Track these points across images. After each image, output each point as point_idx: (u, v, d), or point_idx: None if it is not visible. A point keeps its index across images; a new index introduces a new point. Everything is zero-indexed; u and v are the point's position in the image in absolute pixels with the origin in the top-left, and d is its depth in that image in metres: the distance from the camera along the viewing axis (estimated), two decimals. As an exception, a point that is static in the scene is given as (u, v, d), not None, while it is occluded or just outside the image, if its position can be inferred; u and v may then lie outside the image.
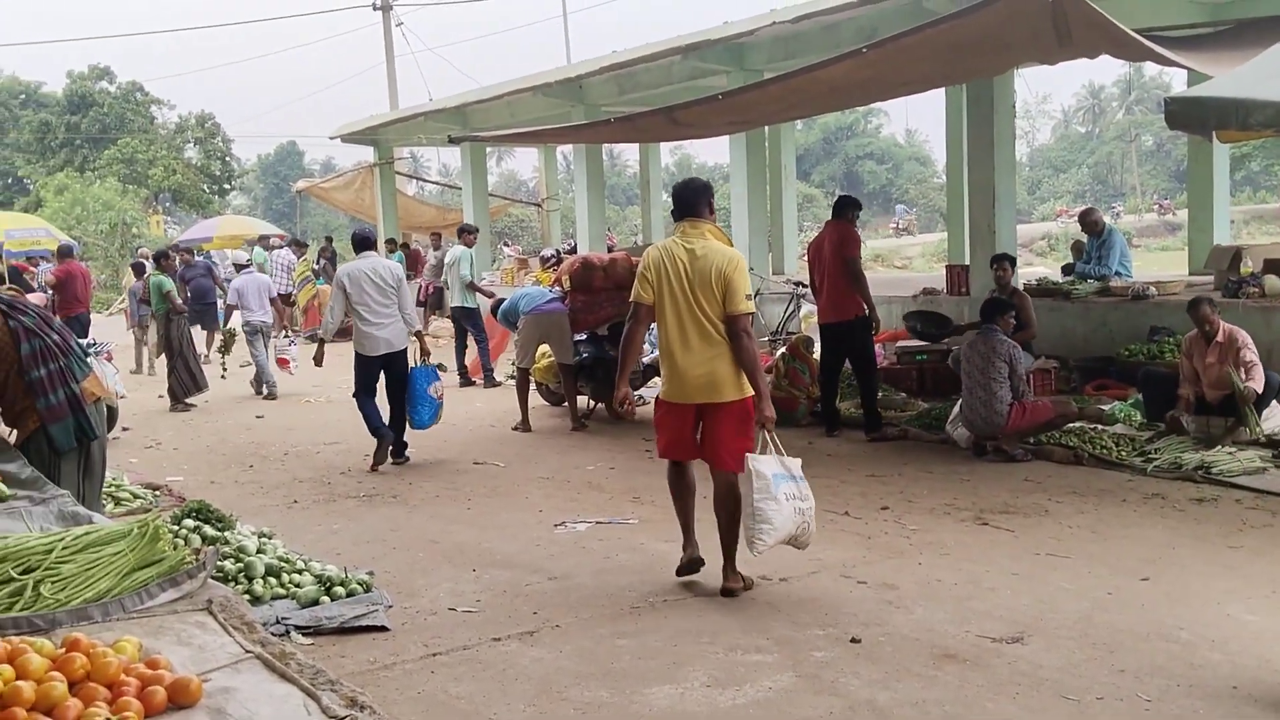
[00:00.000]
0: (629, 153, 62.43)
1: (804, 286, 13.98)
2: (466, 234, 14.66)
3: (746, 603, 5.44)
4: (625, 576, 5.95)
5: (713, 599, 5.51)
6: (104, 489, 5.73)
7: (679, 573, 5.76)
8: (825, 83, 8.87)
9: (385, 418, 9.33)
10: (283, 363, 14.27)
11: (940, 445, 9.01)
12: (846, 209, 9.90)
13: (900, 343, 11.32)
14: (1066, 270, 13.24)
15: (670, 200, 5.98)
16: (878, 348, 11.14)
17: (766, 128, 16.02)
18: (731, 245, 6.17)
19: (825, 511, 7.13)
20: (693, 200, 5.73)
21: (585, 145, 18.11)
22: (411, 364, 9.39)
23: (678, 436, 5.68)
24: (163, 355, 13.72)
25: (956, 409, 8.87)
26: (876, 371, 9.95)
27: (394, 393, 9.23)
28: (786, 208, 18.58)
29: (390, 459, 9.22)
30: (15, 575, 2.82)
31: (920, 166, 67.16)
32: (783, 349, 11.37)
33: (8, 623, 2.65)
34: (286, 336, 18.00)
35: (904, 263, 34.34)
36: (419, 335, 9.69)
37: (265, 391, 13.72)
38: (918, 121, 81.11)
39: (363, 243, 9.43)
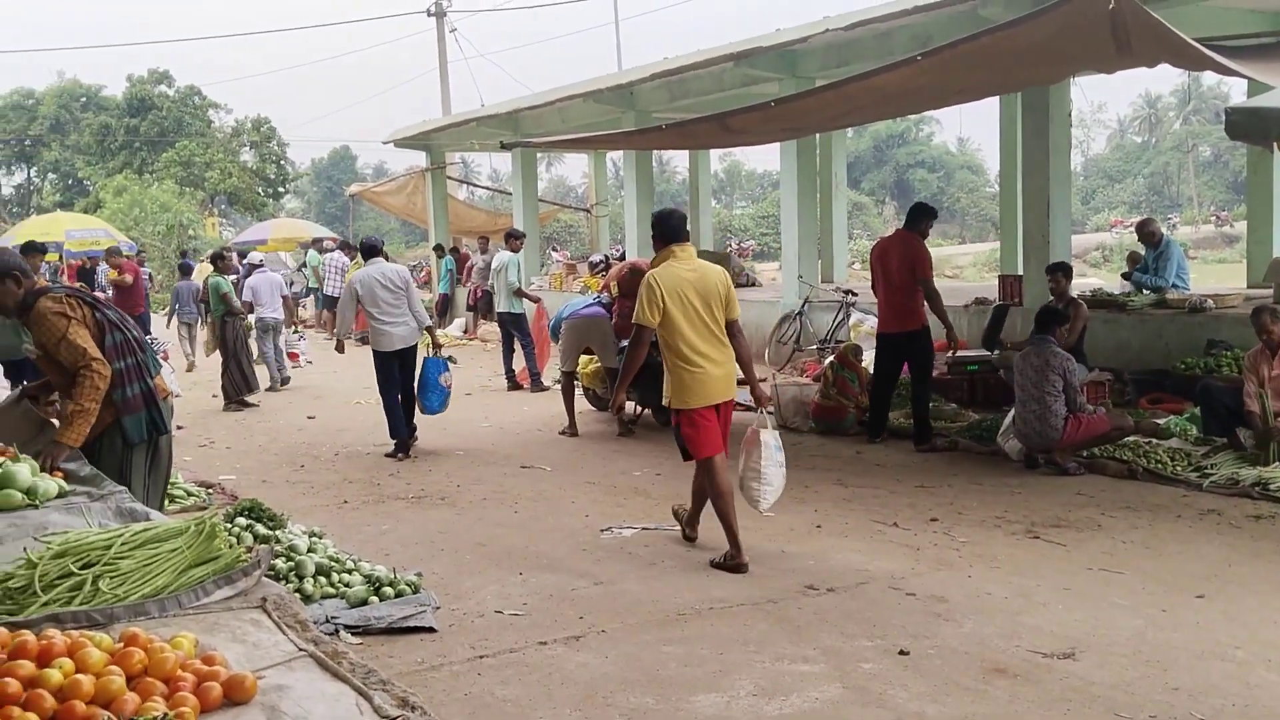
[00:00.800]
0: (678, 159, 62.46)
1: (853, 295, 13.91)
2: (514, 240, 14.74)
3: (794, 612, 5.41)
4: (671, 583, 5.94)
5: (759, 607, 5.49)
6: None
7: (736, 569, 6.12)
8: (879, 90, 8.81)
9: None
10: (293, 356, 15.27)
11: (991, 457, 8.91)
12: (921, 219, 9.67)
13: (960, 353, 11.19)
14: (1126, 277, 13.05)
15: (656, 223, 6.50)
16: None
17: (817, 135, 15.97)
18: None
19: (873, 522, 7.11)
20: (679, 226, 6.39)
21: (635, 151, 18.14)
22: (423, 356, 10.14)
23: (714, 434, 6.32)
24: (209, 355, 14.03)
25: (1008, 420, 8.76)
26: (932, 384, 9.86)
27: (405, 384, 10.01)
28: (836, 216, 18.52)
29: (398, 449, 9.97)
30: (75, 570, 2.86)
31: (972, 175, 66.56)
32: (832, 357, 11.31)
33: (67, 616, 2.69)
34: (296, 332, 18.90)
35: (955, 272, 33.98)
36: (430, 330, 10.26)
37: (279, 380, 14.59)
38: (970, 129, 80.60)
39: (371, 250, 10.34)
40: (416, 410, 10.06)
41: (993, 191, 54.86)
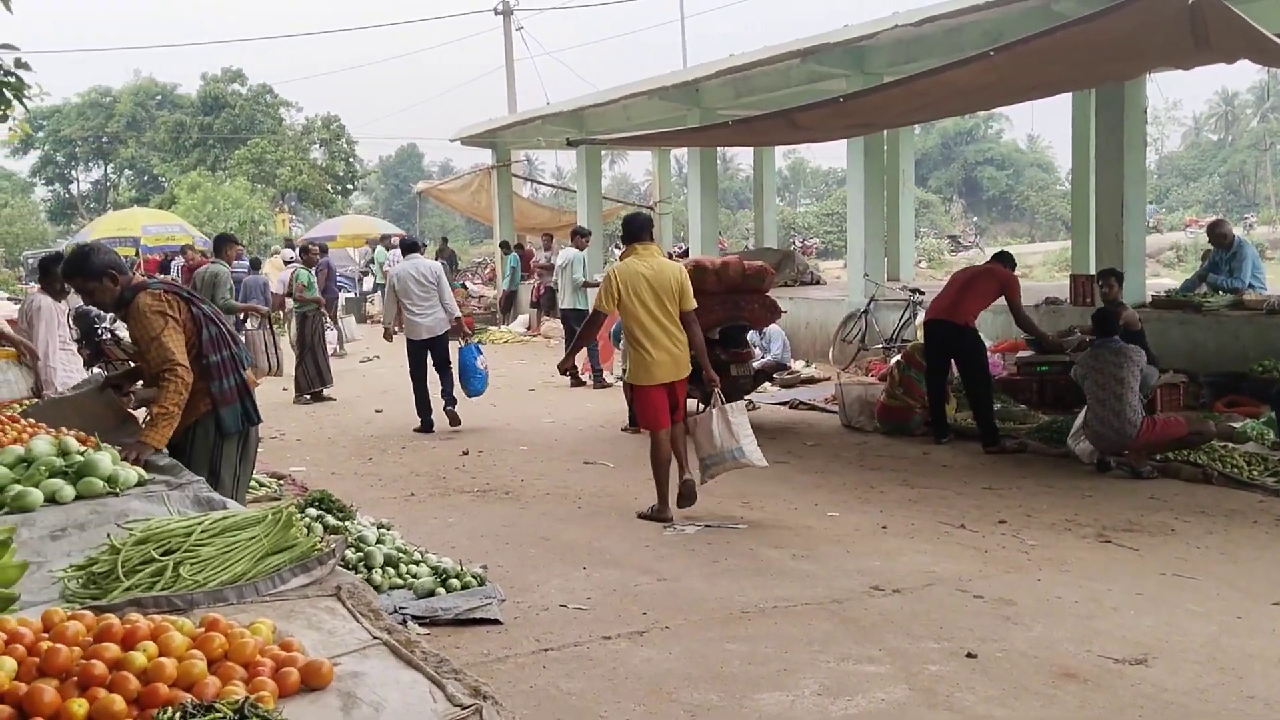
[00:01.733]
0: (742, 156, 62.30)
1: (920, 293, 13.77)
2: (579, 237, 14.81)
3: (859, 613, 5.38)
4: (735, 581, 5.93)
5: (824, 607, 5.46)
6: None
7: (681, 504, 7.21)
8: (950, 86, 8.71)
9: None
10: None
11: (1061, 459, 8.78)
12: (1009, 261, 10.17)
13: (1020, 353, 11.05)
14: (1200, 277, 12.78)
15: (624, 225, 7.57)
16: (996, 358, 10.93)
17: (885, 132, 15.82)
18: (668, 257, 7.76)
19: (939, 524, 7.04)
20: (641, 228, 7.38)
21: (700, 148, 18.11)
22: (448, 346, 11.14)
23: (663, 409, 7.23)
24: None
25: (1079, 421, 8.61)
26: (991, 383, 9.73)
27: (440, 368, 11.09)
28: (904, 213, 18.33)
29: (435, 426, 11.02)
30: (157, 556, 2.94)
31: (1042, 173, 65.46)
32: (898, 357, 11.22)
33: (149, 601, 2.76)
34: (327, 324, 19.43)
35: (1024, 271, 33.43)
36: (458, 320, 11.34)
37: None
38: (1041, 126, 78.98)
39: (410, 247, 11.68)
40: (461, 394, 11.11)
41: (1064, 190, 53.92)
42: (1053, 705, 4.28)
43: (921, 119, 15.18)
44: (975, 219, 54.82)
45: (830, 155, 70.41)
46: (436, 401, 11.16)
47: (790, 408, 11.88)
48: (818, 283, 18.86)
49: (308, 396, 13.27)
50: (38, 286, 7.55)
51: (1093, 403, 8.31)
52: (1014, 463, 8.87)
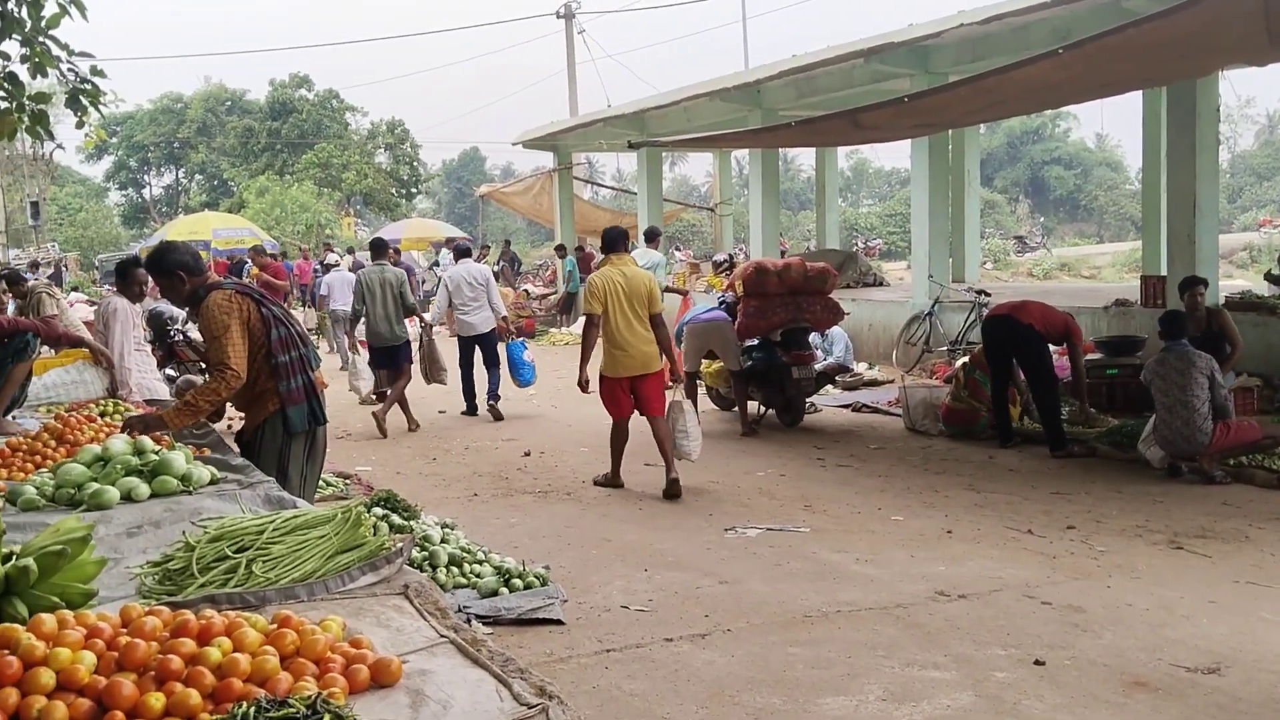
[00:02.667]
0: (803, 157, 61.95)
1: (986, 295, 13.61)
2: (654, 239, 15.05)
3: (924, 618, 5.33)
4: (797, 584, 5.91)
5: (888, 612, 5.42)
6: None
7: (597, 483, 8.57)
8: (1018, 85, 8.60)
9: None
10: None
11: (1131, 464, 8.61)
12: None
13: (1089, 355, 10.86)
14: (1271, 280, 12.48)
15: (603, 237, 8.73)
16: (1065, 361, 10.75)
17: (950, 131, 15.65)
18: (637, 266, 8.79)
19: (1006, 529, 6.95)
20: (616, 239, 8.55)
21: (761, 150, 18.05)
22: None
23: (624, 401, 8.31)
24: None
25: (1149, 426, 8.44)
26: (1056, 385, 9.58)
27: (489, 365, 12.06)
28: (969, 214, 18.10)
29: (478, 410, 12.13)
30: (230, 553, 3.00)
31: (1111, 172, 64.25)
32: (964, 359, 11.09)
33: (222, 598, 2.82)
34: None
35: (1092, 272, 32.87)
36: (504, 320, 12.37)
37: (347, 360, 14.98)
38: (1110, 125, 77.61)
39: (463, 253, 13.27)
40: (514, 390, 12.38)
41: (1133, 189, 52.93)
42: (1123, 714, 4.21)
43: (989, 118, 14.98)
44: (1042, 219, 53.91)
45: (894, 155, 69.81)
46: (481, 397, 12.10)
47: (853, 410, 11.80)
48: (881, 284, 18.71)
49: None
50: (114, 289, 7.73)
51: (1160, 408, 8.15)
52: (1082, 468, 8.73)
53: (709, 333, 10.87)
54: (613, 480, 8.50)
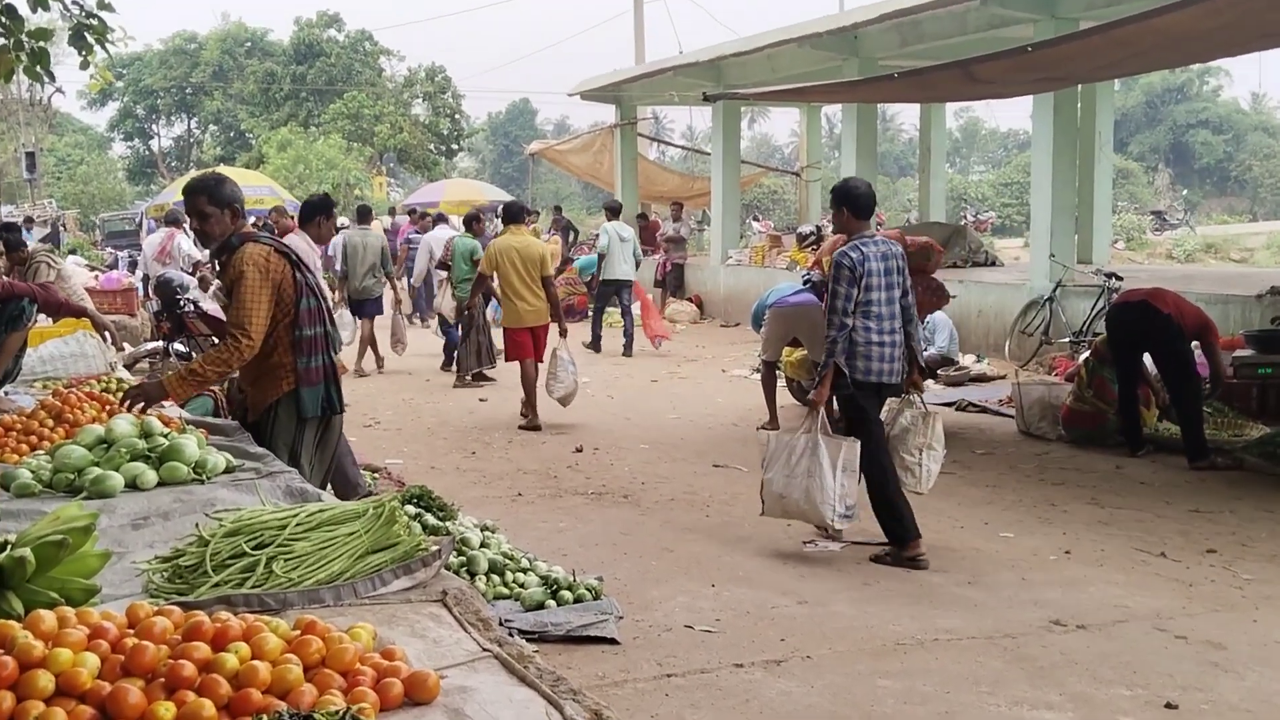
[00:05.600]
0: (905, 115, 61.51)
1: (1117, 279, 13.41)
2: (616, 213, 17.52)
3: (1035, 651, 5.29)
4: (889, 607, 5.89)
5: (994, 642, 5.39)
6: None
7: (521, 428, 10.97)
8: (1161, 34, 8.45)
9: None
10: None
11: (1284, 480, 8.48)
12: None
13: (1237, 352, 10.66)
14: None
15: (503, 209, 12.19)
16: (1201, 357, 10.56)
17: (1079, 87, 15.43)
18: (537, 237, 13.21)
19: (1135, 551, 6.88)
20: (517, 212, 11.84)
21: (857, 105, 17.94)
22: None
23: (528, 346, 11.03)
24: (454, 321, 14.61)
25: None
26: (1199, 385, 9.41)
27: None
28: (1099, 183, 17.80)
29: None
30: (249, 550, 3.06)
31: (1269, 139, 62.92)
32: (1087, 353, 10.94)
33: (239, 599, 2.88)
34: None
35: (1243, 254, 32.22)
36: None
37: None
38: (1269, 83, 76.02)
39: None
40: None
41: (1295, 159, 51.78)
42: (1270, 770, 4.15)
43: (1125, 72, 14.74)
44: (1185, 192, 52.90)
45: (1012, 115, 68.91)
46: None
47: (957, 409, 11.71)
48: (993, 264, 18.53)
49: (468, 378, 13.54)
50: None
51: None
52: (1226, 482, 8.59)
53: (796, 318, 10.81)
54: (530, 419, 10.97)
